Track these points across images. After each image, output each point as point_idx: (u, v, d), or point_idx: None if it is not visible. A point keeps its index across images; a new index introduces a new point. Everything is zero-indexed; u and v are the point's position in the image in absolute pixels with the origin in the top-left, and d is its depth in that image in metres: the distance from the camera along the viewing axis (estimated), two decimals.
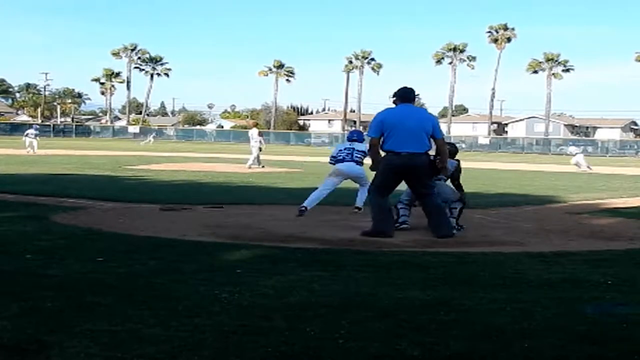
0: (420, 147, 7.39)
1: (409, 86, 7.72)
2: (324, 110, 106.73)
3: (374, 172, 7.78)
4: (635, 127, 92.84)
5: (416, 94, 7.86)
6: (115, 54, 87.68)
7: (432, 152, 7.69)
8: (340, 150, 9.68)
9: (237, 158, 31.05)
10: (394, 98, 7.70)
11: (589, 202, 12.87)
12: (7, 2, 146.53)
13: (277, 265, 5.48)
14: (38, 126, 42.33)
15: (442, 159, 7.62)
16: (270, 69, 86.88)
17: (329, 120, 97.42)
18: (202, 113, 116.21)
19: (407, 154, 7.34)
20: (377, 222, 7.46)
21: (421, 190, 7.61)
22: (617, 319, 4.00)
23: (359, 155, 9.45)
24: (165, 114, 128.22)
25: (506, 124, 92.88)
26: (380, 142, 7.49)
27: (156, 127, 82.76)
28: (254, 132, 23.09)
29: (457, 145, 10.42)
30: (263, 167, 21.79)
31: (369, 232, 7.37)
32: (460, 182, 8.45)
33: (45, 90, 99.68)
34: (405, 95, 7.62)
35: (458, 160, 8.47)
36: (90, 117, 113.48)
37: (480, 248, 6.78)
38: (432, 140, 7.56)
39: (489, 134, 78.12)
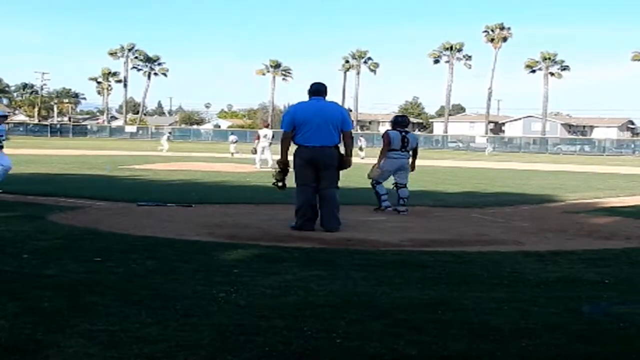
0: (328, 140, 7.68)
1: (320, 81, 8.03)
2: None
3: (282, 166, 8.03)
4: (632, 127, 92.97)
5: (327, 87, 8.06)
6: (113, 54, 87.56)
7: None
8: None
9: (235, 158, 31.05)
10: (308, 92, 7.95)
11: (586, 201, 12.90)
12: (4, 1, 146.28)
13: (274, 264, 5.48)
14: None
15: (346, 151, 7.93)
16: (267, 68, 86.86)
17: None
18: (199, 113, 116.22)
19: (316, 147, 7.62)
20: (299, 218, 7.71)
21: (325, 182, 7.76)
22: (615, 318, 4.01)
23: None
24: (162, 114, 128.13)
25: (503, 123, 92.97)
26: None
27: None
28: (268, 132, 23.11)
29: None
30: (261, 168, 21.69)
31: (293, 226, 7.67)
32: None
33: (42, 90, 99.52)
34: (317, 90, 7.90)
35: (407, 131, 9.97)
36: (87, 116, 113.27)
37: (477, 247, 6.78)
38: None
39: (486, 133, 78.19)
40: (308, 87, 7.94)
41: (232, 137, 40.67)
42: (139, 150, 39.48)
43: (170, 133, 45.23)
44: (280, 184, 8.11)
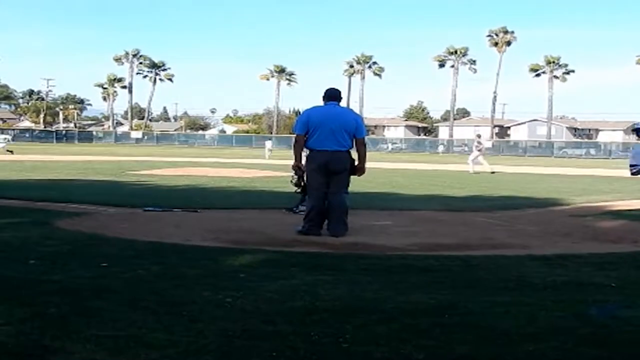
0: (341, 145, 7.70)
1: (335, 87, 8.06)
2: None
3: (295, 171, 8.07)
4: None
5: (341, 93, 8.12)
6: (118, 60, 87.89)
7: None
8: None
9: (240, 163, 31.10)
10: (323, 97, 7.96)
11: (593, 205, 12.84)
12: (10, 7, 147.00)
13: (280, 269, 5.47)
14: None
15: (359, 158, 7.94)
16: (271, 73, 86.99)
17: None
18: (204, 118, 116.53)
19: (328, 151, 7.64)
20: (306, 223, 7.75)
21: (335, 186, 7.77)
22: (622, 322, 3.99)
23: None
24: (167, 119, 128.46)
25: (508, 127, 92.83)
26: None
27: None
28: None
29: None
30: None
31: (300, 231, 7.70)
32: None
33: (47, 96, 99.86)
34: (332, 95, 7.93)
35: None
36: (92, 122, 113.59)
37: (483, 251, 6.77)
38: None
39: (492, 137, 78.05)
40: (323, 92, 7.95)
41: (267, 143, 44.47)
42: (145, 155, 39.55)
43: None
44: (299, 189, 8.13)
